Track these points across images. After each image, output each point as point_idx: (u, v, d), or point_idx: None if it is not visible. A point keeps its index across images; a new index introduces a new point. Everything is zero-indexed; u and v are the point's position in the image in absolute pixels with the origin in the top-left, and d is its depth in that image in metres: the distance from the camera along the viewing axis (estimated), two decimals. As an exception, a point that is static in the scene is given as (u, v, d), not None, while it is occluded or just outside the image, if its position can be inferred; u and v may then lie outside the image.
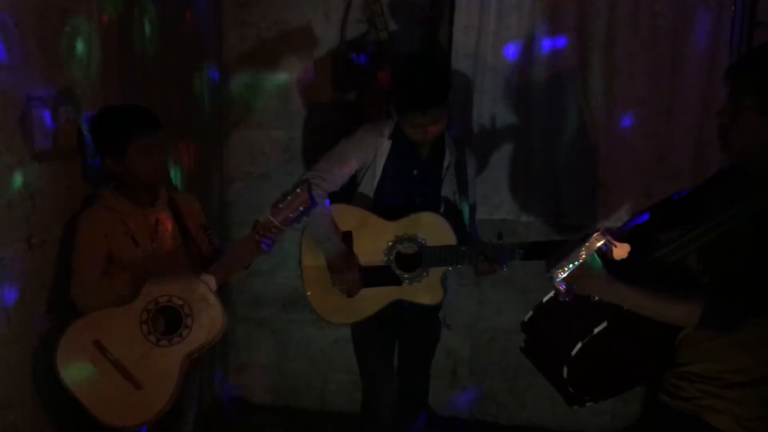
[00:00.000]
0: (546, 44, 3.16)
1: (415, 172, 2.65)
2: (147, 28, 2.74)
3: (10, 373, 2.05)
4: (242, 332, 3.65)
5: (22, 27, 2.00)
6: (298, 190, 2.17)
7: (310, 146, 3.47)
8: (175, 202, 2.33)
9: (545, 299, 1.86)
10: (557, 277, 1.61)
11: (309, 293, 2.67)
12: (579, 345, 1.70)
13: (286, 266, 3.54)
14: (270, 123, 3.48)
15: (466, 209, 2.67)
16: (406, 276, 2.59)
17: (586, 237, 1.60)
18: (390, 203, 2.63)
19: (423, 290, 2.61)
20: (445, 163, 2.67)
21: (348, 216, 2.61)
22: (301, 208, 2.16)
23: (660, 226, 1.81)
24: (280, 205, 2.16)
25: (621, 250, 1.59)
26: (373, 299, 2.61)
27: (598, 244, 1.59)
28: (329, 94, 3.39)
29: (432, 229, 2.57)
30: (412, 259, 2.59)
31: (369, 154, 2.63)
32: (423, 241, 2.57)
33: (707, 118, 3.02)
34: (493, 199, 3.30)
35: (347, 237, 2.61)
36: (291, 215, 2.16)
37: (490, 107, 3.25)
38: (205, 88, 3.33)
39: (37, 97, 2.08)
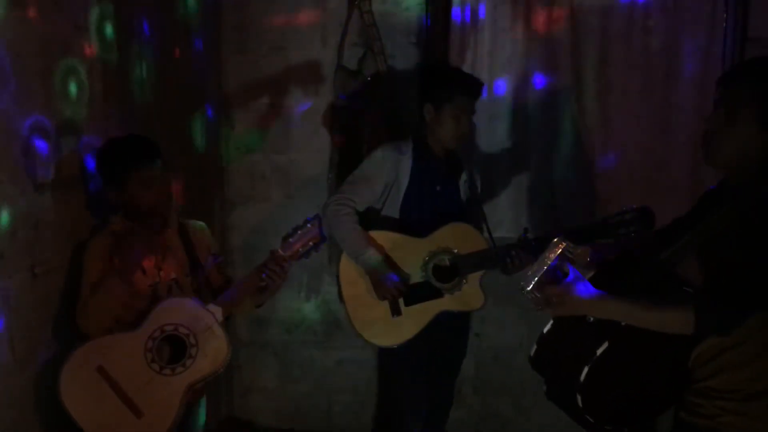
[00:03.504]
0: (541, 59, 3.21)
1: (438, 187, 2.76)
2: (145, 62, 2.77)
3: (15, 402, 2.05)
4: (246, 355, 3.65)
5: (23, 59, 2.03)
6: (309, 225, 2.20)
7: (310, 170, 3.49)
8: (186, 229, 2.34)
9: (545, 330, 1.88)
10: (524, 289, 1.70)
11: (357, 324, 2.71)
12: (586, 369, 1.69)
13: (289, 289, 3.56)
14: (270, 147, 3.51)
15: (481, 217, 2.81)
16: (446, 287, 2.67)
17: (548, 246, 1.70)
18: (417, 220, 2.71)
19: (465, 297, 2.71)
20: (463, 177, 2.80)
21: (378, 241, 2.69)
22: (311, 243, 2.20)
23: (656, 246, 1.83)
24: (291, 239, 2.19)
25: (582, 255, 1.65)
26: (420, 314, 2.68)
27: (559, 250, 1.68)
28: (328, 117, 3.42)
29: (462, 238, 2.69)
30: (449, 271, 2.68)
31: (392, 173, 2.71)
32: (456, 251, 2.66)
33: (701, 134, 3.04)
34: (493, 217, 3.31)
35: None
36: (301, 250, 2.19)
37: (486, 127, 3.29)
38: (206, 115, 3.37)
39: (38, 128, 2.11)
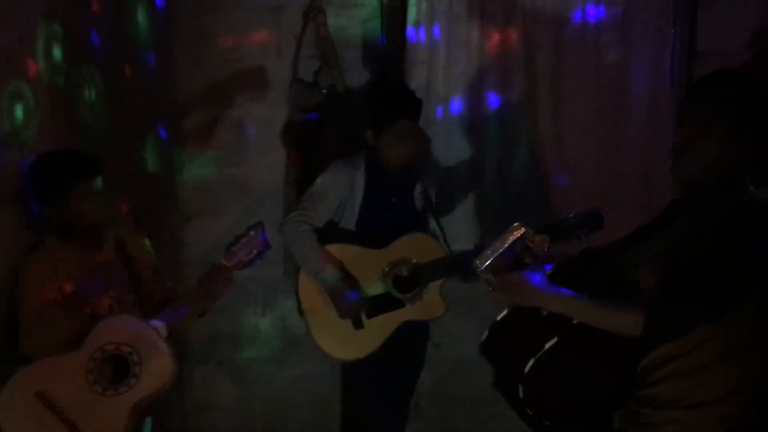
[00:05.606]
0: (495, 77, 3.24)
1: (393, 199, 2.76)
2: (94, 79, 2.71)
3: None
4: (200, 372, 3.58)
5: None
6: (252, 233, 2.17)
7: (266, 184, 3.45)
8: (123, 243, 2.28)
9: (499, 318, 1.87)
10: (479, 267, 1.69)
11: (318, 338, 2.70)
12: (531, 361, 1.69)
13: (244, 304, 3.51)
14: (224, 160, 3.46)
15: (436, 225, 2.84)
16: (407, 297, 2.69)
17: (508, 229, 1.69)
18: (374, 232, 2.71)
19: (427, 306, 2.73)
20: (418, 189, 2.81)
21: (336, 255, 2.68)
22: (255, 251, 2.16)
23: (617, 250, 1.84)
24: (233, 248, 2.16)
25: (541, 242, 1.67)
26: (382, 326, 2.69)
27: (519, 234, 1.67)
28: (284, 130, 3.38)
29: (421, 247, 2.71)
30: (409, 280, 2.70)
31: (346, 188, 2.71)
32: (415, 261, 2.68)
33: (652, 146, 3.12)
34: (450, 230, 3.31)
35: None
36: (245, 258, 2.16)
37: (443, 140, 3.30)
38: (158, 129, 3.31)
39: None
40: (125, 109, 2.97)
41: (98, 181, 2.13)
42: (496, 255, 1.69)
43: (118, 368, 2.06)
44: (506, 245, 1.68)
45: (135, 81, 3.08)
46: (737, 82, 1.65)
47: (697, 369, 1.64)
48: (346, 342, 2.69)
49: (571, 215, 2.59)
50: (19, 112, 2.21)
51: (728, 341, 1.62)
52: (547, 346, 1.68)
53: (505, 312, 1.86)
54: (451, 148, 3.31)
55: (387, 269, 2.69)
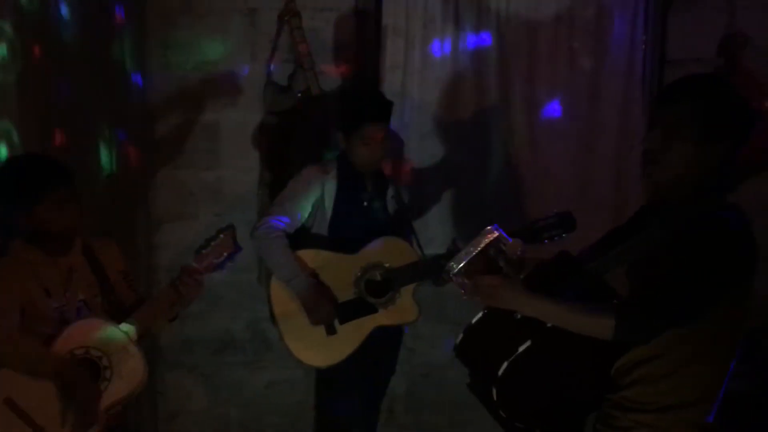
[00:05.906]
0: (470, 82, 3.25)
1: (365, 203, 2.75)
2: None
3: None
4: (172, 378, 3.54)
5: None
6: (222, 236, 2.17)
7: (239, 187, 3.43)
8: (91, 248, 2.24)
9: (474, 320, 1.88)
10: (453, 269, 1.69)
11: (290, 344, 2.67)
12: (505, 364, 1.70)
13: (217, 309, 3.48)
14: (198, 163, 3.43)
15: (409, 230, 2.84)
16: (379, 302, 2.69)
17: (481, 232, 1.70)
18: (346, 236, 2.70)
19: (399, 311, 2.72)
20: (390, 193, 2.81)
21: (308, 260, 2.67)
22: (226, 254, 2.16)
23: (590, 255, 1.85)
24: (204, 251, 2.16)
25: (514, 246, 1.68)
26: (355, 331, 2.68)
27: (492, 237, 1.68)
28: (257, 134, 3.37)
29: (393, 252, 2.71)
30: (382, 285, 2.70)
31: (318, 192, 2.70)
32: (388, 266, 2.68)
33: (624, 152, 3.16)
34: (424, 234, 3.32)
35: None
36: (215, 261, 2.15)
37: (417, 144, 3.31)
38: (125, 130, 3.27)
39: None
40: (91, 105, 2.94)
41: (69, 190, 2.09)
42: (469, 258, 1.70)
43: (89, 373, 2.03)
44: (479, 248, 1.69)
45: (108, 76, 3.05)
46: (706, 88, 1.67)
47: (668, 372, 1.66)
48: (318, 348, 2.67)
49: (543, 218, 2.61)
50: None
51: (699, 345, 1.64)
52: (521, 349, 1.70)
53: (480, 314, 1.87)
54: (425, 152, 3.31)
55: (359, 274, 2.69)
